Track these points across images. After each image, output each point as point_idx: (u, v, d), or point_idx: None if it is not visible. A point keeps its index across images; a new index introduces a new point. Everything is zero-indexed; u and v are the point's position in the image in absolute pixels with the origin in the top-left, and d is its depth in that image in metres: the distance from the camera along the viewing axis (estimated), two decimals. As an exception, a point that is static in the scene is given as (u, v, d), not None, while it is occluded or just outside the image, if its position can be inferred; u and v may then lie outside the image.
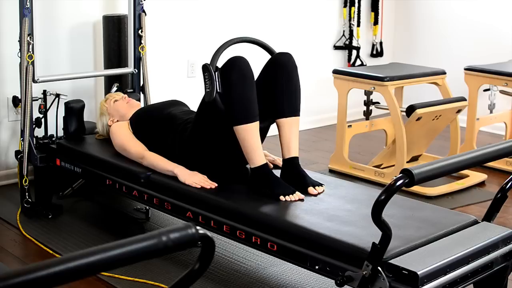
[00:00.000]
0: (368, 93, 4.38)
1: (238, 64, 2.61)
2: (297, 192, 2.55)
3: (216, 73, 2.60)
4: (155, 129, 3.00)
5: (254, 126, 2.60)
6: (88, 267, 1.06)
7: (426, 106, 3.93)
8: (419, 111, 3.88)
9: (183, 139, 2.84)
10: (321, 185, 2.65)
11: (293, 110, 2.74)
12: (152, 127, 3.01)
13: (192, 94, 4.26)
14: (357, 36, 5.69)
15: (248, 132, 2.59)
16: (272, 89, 2.73)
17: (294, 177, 2.66)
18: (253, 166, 2.62)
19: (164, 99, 3.30)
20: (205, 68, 2.61)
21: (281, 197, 2.53)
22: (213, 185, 2.69)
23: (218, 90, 2.60)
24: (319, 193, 2.60)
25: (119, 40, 3.86)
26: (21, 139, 3.39)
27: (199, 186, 2.68)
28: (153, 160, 2.90)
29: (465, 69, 4.51)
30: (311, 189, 2.60)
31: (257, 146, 2.61)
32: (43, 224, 3.31)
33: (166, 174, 2.83)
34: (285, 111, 2.72)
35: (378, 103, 4.44)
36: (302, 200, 2.53)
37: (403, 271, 1.93)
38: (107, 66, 3.91)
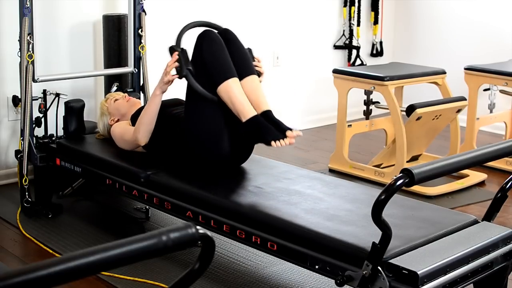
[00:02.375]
0: (368, 93, 4.38)
1: (206, 34, 2.82)
2: (285, 139, 2.63)
3: (183, 52, 2.80)
4: (156, 128, 3.00)
5: (235, 81, 2.74)
6: (88, 267, 1.06)
7: (426, 106, 3.93)
8: (419, 111, 3.87)
9: (181, 140, 2.85)
10: (296, 129, 2.72)
11: (248, 70, 2.85)
12: (162, 125, 3.01)
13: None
14: (357, 35, 5.69)
15: (231, 88, 2.73)
16: None
17: (273, 126, 2.72)
18: (245, 119, 2.70)
19: (164, 98, 3.29)
20: (171, 49, 2.83)
21: (272, 143, 2.62)
22: (173, 61, 2.81)
23: (189, 67, 2.78)
24: (298, 135, 2.68)
25: (119, 39, 3.86)
26: (21, 138, 3.40)
27: (171, 74, 2.83)
28: (139, 123, 2.95)
29: (465, 69, 4.51)
30: (289, 133, 2.66)
31: (243, 99, 2.73)
32: (43, 223, 3.31)
33: (156, 108, 2.90)
34: (242, 74, 2.82)
35: (378, 102, 4.44)
36: (291, 143, 2.63)
37: (403, 271, 1.93)
38: (107, 66, 3.91)
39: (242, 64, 2.85)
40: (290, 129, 2.67)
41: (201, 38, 2.82)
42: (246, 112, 2.70)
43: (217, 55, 2.77)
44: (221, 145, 2.79)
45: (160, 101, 2.93)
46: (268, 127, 2.67)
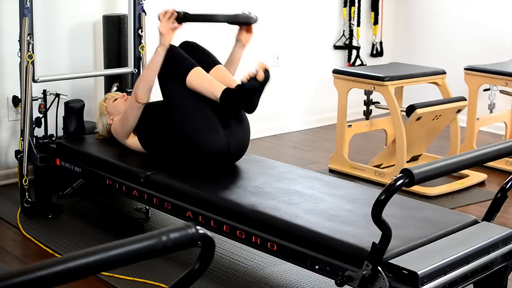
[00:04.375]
0: (368, 93, 4.38)
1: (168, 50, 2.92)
2: (257, 69, 2.72)
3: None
4: (155, 128, 3.01)
5: (198, 69, 2.86)
6: (88, 267, 1.06)
7: (426, 106, 3.93)
8: (419, 111, 3.88)
9: (173, 141, 2.88)
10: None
11: (213, 62, 3.00)
12: (152, 125, 3.02)
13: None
14: (357, 36, 5.69)
15: (196, 75, 2.85)
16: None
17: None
18: (219, 95, 2.79)
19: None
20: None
21: (251, 82, 2.70)
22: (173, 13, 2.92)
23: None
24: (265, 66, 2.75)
25: (119, 40, 3.86)
26: (21, 138, 3.39)
27: (167, 25, 2.90)
28: (139, 80, 3.03)
29: (465, 69, 4.51)
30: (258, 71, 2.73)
31: (211, 80, 2.85)
32: (43, 224, 3.31)
33: (158, 65, 2.92)
34: (209, 65, 2.96)
35: (378, 103, 4.44)
36: (266, 70, 2.73)
37: (403, 271, 1.93)
38: (107, 66, 3.91)
39: (206, 59, 2.98)
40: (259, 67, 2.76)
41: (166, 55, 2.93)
42: (217, 89, 2.80)
43: (175, 53, 2.90)
44: (213, 135, 2.81)
45: (161, 60, 2.94)
46: (240, 90, 2.74)
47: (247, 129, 2.97)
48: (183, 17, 2.93)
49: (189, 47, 3.04)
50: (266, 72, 2.73)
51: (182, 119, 2.86)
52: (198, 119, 2.84)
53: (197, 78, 2.85)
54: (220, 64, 3.02)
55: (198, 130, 2.82)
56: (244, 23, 3.05)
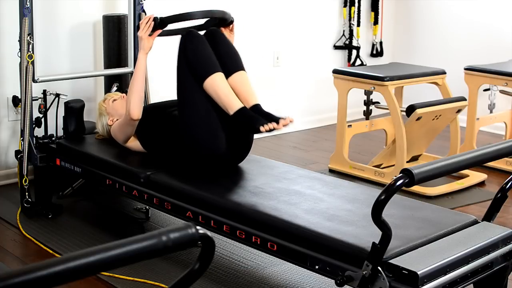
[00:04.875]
0: (368, 93, 4.38)
1: (188, 33, 2.87)
2: (272, 122, 2.65)
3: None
4: (156, 128, 3.01)
5: (219, 75, 2.77)
6: (88, 267, 1.06)
7: (426, 106, 3.93)
8: (419, 111, 3.88)
9: (178, 138, 2.86)
10: (287, 117, 2.73)
11: (237, 67, 2.88)
12: (153, 126, 3.02)
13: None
14: (357, 36, 5.69)
15: (216, 82, 2.75)
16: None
17: (263, 118, 2.74)
18: (232, 112, 2.72)
19: (164, 99, 3.29)
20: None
21: (261, 128, 2.64)
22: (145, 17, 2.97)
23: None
24: (291, 122, 2.69)
25: (119, 40, 3.86)
26: (21, 138, 3.39)
27: (146, 30, 2.94)
28: (129, 93, 2.98)
29: (465, 69, 4.51)
30: (283, 121, 2.67)
31: (229, 92, 2.76)
32: (43, 224, 3.31)
33: (143, 74, 2.95)
34: (231, 70, 2.85)
35: (378, 103, 4.44)
36: (278, 128, 2.65)
37: (403, 271, 1.93)
38: (107, 66, 3.91)
39: (230, 60, 2.88)
40: (282, 118, 2.70)
41: (183, 38, 2.87)
42: (233, 105, 2.73)
43: (200, 51, 2.81)
44: (217, 140, 2.80)
45: (146, 65, 2.97)
46: (255, 117, 2.69)
47: (250, 136, 2.96)
48: (160, 22, 2.97)
49: (213, 36, 2.93)
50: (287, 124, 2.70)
51: (190, 116, 2.82)
52: (207, 122, 2.80)
53: (214, 85, 2.76)
54: (243, 69, 2.90)
55: (201, 131, 2.80)
56: (220, 18, 3.05)
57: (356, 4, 5.64)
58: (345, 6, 5.60)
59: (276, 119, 2.68)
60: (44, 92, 3.53)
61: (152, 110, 3.11)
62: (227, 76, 2.84)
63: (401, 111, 3.97)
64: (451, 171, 1.99)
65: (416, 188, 3.73)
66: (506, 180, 2.28)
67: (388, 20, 5.94)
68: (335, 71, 4.25)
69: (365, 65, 5.58)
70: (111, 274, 2.72)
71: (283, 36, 5.20)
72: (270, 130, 2.65)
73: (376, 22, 5.81)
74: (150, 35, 2.99)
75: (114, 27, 3.86)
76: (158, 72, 4.40)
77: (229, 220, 2.50)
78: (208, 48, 2.84)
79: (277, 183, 2.73)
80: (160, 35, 3.04)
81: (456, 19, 5.60)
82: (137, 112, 2.96)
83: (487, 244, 2.14)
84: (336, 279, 2.07)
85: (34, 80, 3.36)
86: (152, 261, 2.78)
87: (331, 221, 2.31)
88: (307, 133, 5.33)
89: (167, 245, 1.14)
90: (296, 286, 2.70)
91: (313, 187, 2.69)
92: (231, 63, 2.87)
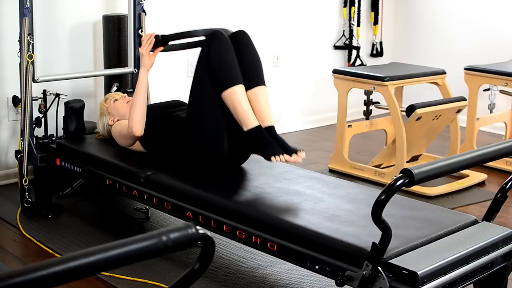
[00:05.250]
0: (368, 93, 4.38)
1: (215, 35, 2.77)
2: (285, 154, 2.62)
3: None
4: (156, 129, 3.01)
5: (240, 88, 2.71)
6: (88, 267, 1.06)
7: (426, 106, 3.93)
8: (419, 111, 3.88)
9: (181, 136, 2.85)
10: (301, 150, 2.69)
11: (258, 80, 2.81)
12: (153, 127, 3.02)
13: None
14: (357, 36, 5.69)
15: (235, 95, 2.69)
16: None
17: (278, 145, 2.71)
18: (247, 128, 2.68)
19: (164, 99, 3.30)
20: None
21: (272, 158, 2.61)
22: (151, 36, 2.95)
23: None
24: (303, 159, 2.66)
25: (119, 40, 3.86)
26: (21, 138, 3.39)
27: (147, 47, 2.95)
28: (131, 110, 2.96)
29: (465, 69, 4.51)
30: (295, 157, 2.64)
31: (247, 108, 2.70)
32: (43, 224, 3.31)
33: (144, 91, 2.95)
34: (251, 83, 2.78)
35: (378, 103, 4.44)
36: (289, 161, 2.62)
37: (403, 271, 1.93)
38: (107, 66, 3.91)
39: (252, 72, 2.80)
40: (296, 151, 2.65)
41: (210, 38, 2.77)
42: (249, 121, 2.68)
43: (225, 59, 2.73)
44: (221, 143, 2.79)
45: (147, 81, 2.96)
46: (269, 141, 2.65)
47: None
48: (161, 40, 2.99)
49: (239, 41, 2.82)
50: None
51: (199, 118, 2.79)
52: (215, 124, 2.77)
53: (234, 98, 2.69)
54: (263, 84, 2.81)
55: (210, 134, 2.77)
56: None
57: (356, 4, 5.64)
58: (345, 6, 5.60)
59: (289, 151, 2.64)
60: (44, 92, 3.52)
61: (152, 111, 3.11)
62: (247, 88, 2.77)
63: (401, 111, 3.97)
64: (451, 171, 1.99)
65: (416, 188, 3.73)
66: (506, 180, 2.28)
67: (388, 20, 5.94)
68: (335, 71, 4.25)
69: (365, 65, 5.58)
70: (111, 274, 2.72)
71: (283, 36, 5.20)
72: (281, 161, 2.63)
73: (376, 22, 5.81)
74: (151, 51, 2.97)
75: (114, 27, 3.86)
76: (158, 72, 4.40)
77: (229, 220, 2.50)
78: (233, 55, 2.75)
79: (277, 183, 2.73)
80: (162, 51, 3.04)
81: (456, 19, 5.60)
82: (139, 129, 2.95)
83: (487, 244, 2.14)
84: (336, 279, 2.07)
85: (34, 80, 3.36)
86: (152, 261, 2.78)
87: (331, 221, 2.31)
88: (307, 133, 5.33)
89: (167, 245, 1.14)
90: (296, 286, 2.70)
91: (313, 187, 2.69)
92: (253, 76, 2.79)
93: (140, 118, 2.94)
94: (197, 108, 2.81)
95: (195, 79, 2.83)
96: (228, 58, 2.73)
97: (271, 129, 2.74)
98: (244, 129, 2.69)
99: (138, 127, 2.95)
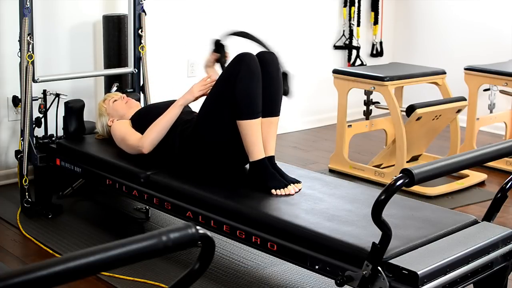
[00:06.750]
0: (368, 93, 4.38)
1: (247, 60, 2.69)
2: (288, 187, 2.61)
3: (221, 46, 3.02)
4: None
5: (257, 122, 2.69)
6: (88, 267, 1.06)
7: (426, 106, 3.93)
8: (419, 111, 3.88)
9: (183, 138, 2.85)
10: (298, 182, 2.69)
11: (274, 110, 2.78)
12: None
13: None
14: (357, 36, 5.69)
15: (251, 128, 2.68)
16: None
17: (280, 176, 2.70)
18: (252, 160, 2.69)
19: (164, 99, 3.29)
20: (217, 43, 3.04)
21: (273, 191, 2.60)
22: (210, 80, 2.89)
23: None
24: (299, 190, 2.65)
25: (119, 40, 3.86)
26: (21, 138, 3.39)
27: (201, 90, 2.89)
28: (151, 131, 2.92)
29: (465, 69, 4.51)
30: (292, 188, 2.63)
31: (258, 141, 2.69)
32: (43, 224, 3.31)
33: (173, 120, 2.90)
34: (266, 111, 2.74)
35: (378, 103, 4.44)
36: (292, 194, 2.59)
37: (403, 271, 1.93)
38: (107, 66, 3.91)
39: (271, 102, 2.76)
40: (294, 182, 2.67)
41: (239, 62, 2.69)
42: (256, 153, 2.69)
43: (253, 91, 2.67)
44: (227, 146, 2.78)
45: (179, 112, 2.91)
46: (272, 174, 2.66)
47: None
48: (219, 46, 3.03)
49: (267, 64, 2.75)
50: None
51: (208, 129, 2.77)
52: (219, 135, 2.76)
53: (249, 129, 2.67)
54: (278, 115, 2.78)
55: (214, 144, 2.77)
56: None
57: (356, 4, 5.64)
58: (345, 6, 5.60)
59: (288, 182, 2.64)
60: (44, 92, 3.52)
61: (152, 110, 3.10)
62: (263, 114, 2.73)
63: (401, 111, 3.97)
64: (451, 171, 1.99)
65: (416, 188, 3.73)
66: (506, 180, 2.28)
67: (388, 20, 5.94)
68: (335, 71, 4.25)
69: (365, 65, 5.58)
70: (111, 274, 2.72)
71: (283, 36, 5.20)
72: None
73: (376, 22, 5.81)
74: (202, 95, 2.91)
75: (114, 27, 3.86)
76: (158, 72, 4.40)
77: (229, 220, 2.50)
78: (259, 87, 2.69)
79: (277, 183, 2.73)
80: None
81: (456, 19, 5.60)
82: (150, 149, 2.94)
83: (487, 244, 2.14)
84: (336, 279, 2.07)
85: (34, 80, 3.36)
86: (152, 261, 2.78)
87: (331, 221, 2.31)
88: (307, 133, 5.33)
89: (167, 245, 1.14)
90: (296, 286, 2.70)
91: (313, 187, 2.69)
92: (272, 106, 2.76)
93: (156, 140, 2.92)
94: (207, 123, 2.78)
95: (213, 94, 2.77)
96: (254, 89, 2.67)
97: (271, 159, 2.75)
98: (250, 158, 2.71)
99: (150, 147, 2.94)
